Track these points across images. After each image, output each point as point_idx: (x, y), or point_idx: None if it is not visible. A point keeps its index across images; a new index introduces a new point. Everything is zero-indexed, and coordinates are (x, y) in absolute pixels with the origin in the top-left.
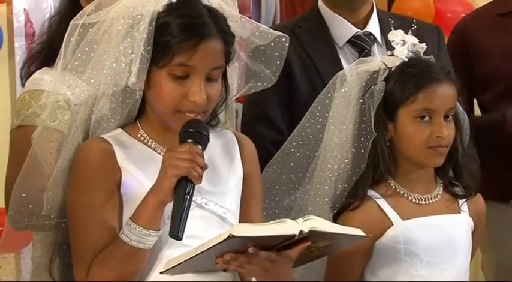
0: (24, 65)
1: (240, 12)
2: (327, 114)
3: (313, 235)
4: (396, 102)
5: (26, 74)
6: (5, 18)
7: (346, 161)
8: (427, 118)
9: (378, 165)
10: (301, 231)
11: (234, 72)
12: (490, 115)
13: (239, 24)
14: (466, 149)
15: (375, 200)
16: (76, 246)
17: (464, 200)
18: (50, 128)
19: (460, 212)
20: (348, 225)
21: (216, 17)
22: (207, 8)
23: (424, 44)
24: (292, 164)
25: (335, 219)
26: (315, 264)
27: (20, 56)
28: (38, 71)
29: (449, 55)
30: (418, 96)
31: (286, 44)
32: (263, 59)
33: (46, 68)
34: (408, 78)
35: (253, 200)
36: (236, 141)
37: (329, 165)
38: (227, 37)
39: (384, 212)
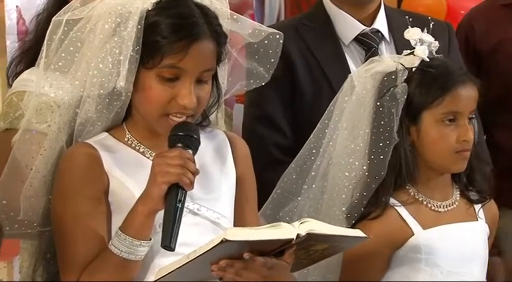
0: (11, 64)
1: (242, 10)
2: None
3: (311, 238)
4: (420, 105)
5: (13, 74)
6: None
7: (364, 168)
8: (452, 121)
9: (400, 171)
10: (298, 235)
11: (224, 71)
12: None
13: (231, 22)
14: (479, 152)
15: (396, 208)
16: (64, 257)
17: (481, 206)
18: (31, 131)
19: (477, 219)
20: (368, 234)
21: (208, 17)
22: (199, 6)
23: (437, 42)
24: (305, 173)
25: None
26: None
27: (11, 54)
28: (26, 71)
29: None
30: (444, 98)
31: (281, 41)
32: (256, 56)
33: (34, 68)
34: (432, 80)
35: (248, 203)
36: (228, 141)
37: (346, 173)
38: (219, 38)
39: (405, 220)
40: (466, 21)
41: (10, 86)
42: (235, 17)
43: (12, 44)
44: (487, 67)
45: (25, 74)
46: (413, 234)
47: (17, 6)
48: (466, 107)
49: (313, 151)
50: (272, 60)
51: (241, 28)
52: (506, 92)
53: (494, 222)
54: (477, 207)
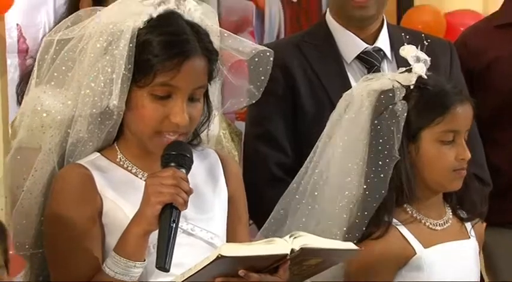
0: (20, 82)
1: (243, 27)
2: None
3: (305, 253)
4: (419, 123)
5: (22, 92)
6: None
7: (364, 187)
8: (451, 139)
9: (401, 190)
10: (292, 250)
11: (215, 89)
12: None
13: (221, 39)
14: (470, 171)
15: (397, 227)
16: (58, 279)
17: (472, 224)
18: (23, 151)
19: (469, 237)
20: (371, 255)
21: (199, 34)
22: (189, 24)
23: (430, 59)
24: (306, 192)
25: None
26: None
27: (12, 73)
28: (30, 92)
29: None
30: (445, 117)
31: (271, 59)
32: (246, 74)
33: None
34: (431, 99)
35: (239, 221)
36: (219, 161)
37: (346, 192)
38: (211, 55)
39: (407, 240)
40: (461, 40)
41: (19, 103)
42: (225, 34)
43: (12, 62)
44: (481, 86)
45: (30, 94)
46: (415, 254)
47: (17, 25)
48: (464, 126)
49: (312, 170)
50: (262, 77)
51: (231, 45)
52: (499, 111)
53: (482, 240)
54: (468, 225)
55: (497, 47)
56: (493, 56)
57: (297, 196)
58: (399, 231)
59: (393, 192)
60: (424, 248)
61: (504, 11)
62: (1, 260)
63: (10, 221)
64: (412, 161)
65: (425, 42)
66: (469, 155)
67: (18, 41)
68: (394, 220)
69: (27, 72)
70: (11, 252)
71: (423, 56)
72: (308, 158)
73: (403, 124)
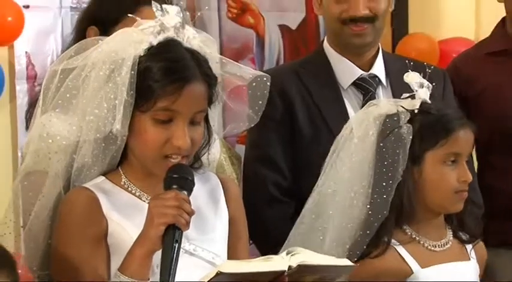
0: (29, 108)
1: (244, 54)
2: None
3: (302, 269)
4: (423, 146)
5: (30, 119)
6: (6, 62)
7: (368, 207)
8: (453, 162)
9: (401, 211)
10: (289, 267)
11: (215, 114)
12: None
13: (220, 65)
14: (470, 195)
15: (395, 247)
16: None
17: (472, 246)
18: (30, 177)
19: (470, 259)
20: (369, 273)
21: (198, 60)
22: (189, 50)
23: (431, 86)
24: (313, 216)
25: None
26: None
27: (21, 99)
28: (37, 119)
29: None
30: (448, 140)
31: (268, 83)
32: (245, 99)
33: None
34: (435, 122)
35: (240, 242)
36: (220, 184)
37: (350, 212)
38: (210, 80)
39: (404, 259)
40: (452, 67)
41: (27, 128)
42: (224, 60)
43: (21, 88)
44: (474, 111)
45: (37, 121)
46: (412, 273)
47: (26, 52)
48: (466, 149)
49: (319, 191)
50: (260, 102)
51: (230, 71)
52: (492, 136)
53: (483, 262)
54: (468, 247)
55: (488, 75)
56: (484, 84)
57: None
58: (397, 251)
59: (393, 213)
60: (421, 267)
61: (494, 38)
62: None
63: (19, 244)
64: (414, 183)
65: (428, 70)
66: (470, 177)
67: (27, 68)
68: (393, 240)
69: (36, 99)
70: (20, 271)
71: (426, 82)
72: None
73: (408, 146)
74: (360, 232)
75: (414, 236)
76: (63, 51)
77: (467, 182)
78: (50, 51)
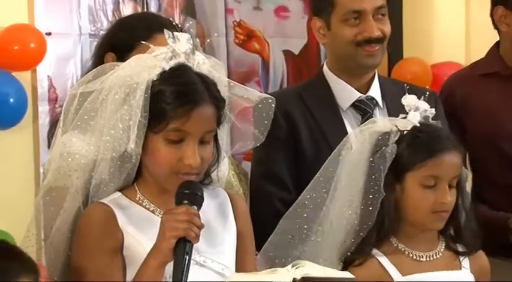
0: (50, 128)
1: (250, 77)
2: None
3: (305, 281)
4: (405, 166)
5: (52, 138)
6: (29, 85)
7: (354, 217)
8: (432, 184)
9: (383, 224)
10: (294, 279)
11: (223, 133)
12: (495, 214)
13: (228, 88)
14: (468, 212)
15: (377, 257)
16: None
17: (465, 256)
18: (51, 193)
19: (460, 269)
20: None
21: (207, 84)
22: (199, 75)
23: (433, 109)
24: (305, 215)
25: None
26: None
27: (43, 119)
28: (58, 138)
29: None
30: (427, 163)
31: (273, 105)
32: (251, 119)
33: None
34: (419, 145)
35: (247, 255)
36: (229, 199)
37: (344, 222)
38: (218, 102)
39: (385, 268)
40: (448, 87)
41: (49, 146)
42: (231, 83)
43: (43, 110)
44: (470, 131)
45: (64, 137)
46: (392, 281)
47: (48, 76)
48: (447, 173)
49: (311, 200)
50: (265, 122)
51: (238, 93)
52: (490, 154)
53: (484, 272)
54: (462, 258)
55: (481, 95)
56: (477, 104)
57: (293, 218)
58: (378, 260)
59: (375, 226)
60: (403, 275)
61: (488, 60)
62: None
63: (40, 256)
64: (397, 200)
65: (426, 93)
66: (449, 199)
67: (48, 90)
68: (376, 250)
69: (57, 119)
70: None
71: (424, 105)
72: (307, 187)
73: (388, 165)
74: (351, 239)
75: (400, 247)
76: (82, 75)
77: (446, 203)
78: (70, 75)
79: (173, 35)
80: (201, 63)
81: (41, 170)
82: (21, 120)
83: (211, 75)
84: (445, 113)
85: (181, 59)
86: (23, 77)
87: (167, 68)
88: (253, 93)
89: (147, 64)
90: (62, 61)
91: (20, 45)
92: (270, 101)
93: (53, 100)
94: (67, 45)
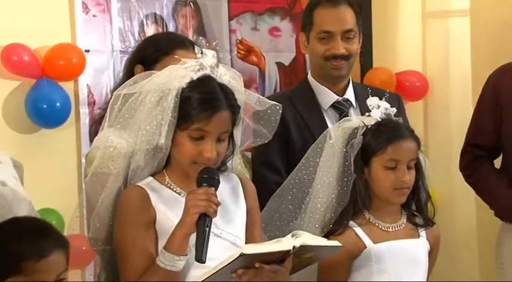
0: (91, 126)
1: (250, 84)
2: (318, 160)
3: (303, 248)
4: (370, 152)
5: (93, 134)
6: (72, 92)
7: (333, 196)
8: (393, 166)
9: (357, 200)
10: (294, 246)
11: (238, 132)
12: None
13: (244, 96)
14: (426, 188)
15: (353, 228)
16: (124, 269)
17: (422, 229)
18: (97, 175)
19: (419, 237)
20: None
21: (227, 93)
22: (220, 85)
23: (394, 109)
24: (290, 197)
25: None
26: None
27: (83, 120)
28: (102, 132)
29: (483, 109)
30: (387, 149)
31: (280, 111)
32: (262, 122)
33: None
34: (380, 135)
35: (255, 227)
36: (240, 183)
37: (319, 199)
38: (234, 109)
39: (360, 237)
40: (498, 76)
41: (91, 141)
42: (247, 92)
43: (84, 112)
44: (506, 119)
45: (101, 134)
46: (365, 247)
47: (87, 84)
48: (405, 156)
49: (295, 182)
50: (273, 124)
51: (251, 100)
52: None
53: (436, 241)
54: (420, 229)
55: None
56: (509, 97)
57: (280, 199)
58: (354, 230)
59: (351, 202)
60: (374, 243)
61: None
62: (67, 264)
63: (83, 225)
64: (366, 180)
65: (386, 94)
66: (407, 178)
67: (88, 96)
68: (352, 222)
69: (96, 119)
70: (84, 248)
71: (385, 105)
72: (291, 174)
73: (356, 152)
74: (331, 214)
75: (372, 220)
76: (115, 83)
77: (405, 181)
78: (105, 84)
79: (202, 51)
80: (223, 75)
81: (83, 160)
82: (66, 120)
83: (230, 84)
84: (490, 99)
85: (207, 71)
86: (67, 86)
87: (195, 78)
88: (264, 100)
89: (179, 74)
90: (98, 73)
91: (64, 60)
92: (278, 107)
93: (92, 104)
94: (102, 60)
